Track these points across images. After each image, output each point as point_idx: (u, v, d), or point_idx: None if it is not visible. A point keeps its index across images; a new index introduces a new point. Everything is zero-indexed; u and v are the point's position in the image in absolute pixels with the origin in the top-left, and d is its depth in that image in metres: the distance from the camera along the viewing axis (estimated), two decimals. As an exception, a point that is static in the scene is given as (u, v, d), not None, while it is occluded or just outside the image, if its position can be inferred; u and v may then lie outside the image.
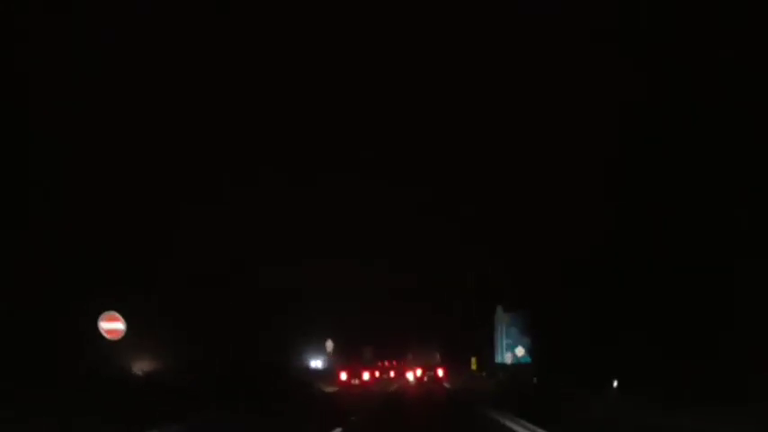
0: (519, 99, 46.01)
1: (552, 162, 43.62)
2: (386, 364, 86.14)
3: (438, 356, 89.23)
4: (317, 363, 74.29)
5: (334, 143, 72.32)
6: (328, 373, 73.35)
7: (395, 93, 73.45)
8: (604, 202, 37.32)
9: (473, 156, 62.86)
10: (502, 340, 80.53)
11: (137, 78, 35.72)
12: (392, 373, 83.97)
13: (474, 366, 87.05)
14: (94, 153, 33.03)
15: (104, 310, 28.64)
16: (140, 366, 36.04)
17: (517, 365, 72.67)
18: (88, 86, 32.47)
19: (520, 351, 72.10)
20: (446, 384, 73.40)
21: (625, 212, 35.38)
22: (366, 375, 77.70)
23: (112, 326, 28.49)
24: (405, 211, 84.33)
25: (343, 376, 74.54)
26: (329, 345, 74.60)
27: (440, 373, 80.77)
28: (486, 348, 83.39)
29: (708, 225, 30.07)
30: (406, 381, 79.64)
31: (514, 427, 24.46)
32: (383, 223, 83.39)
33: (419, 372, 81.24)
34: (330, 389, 63.18)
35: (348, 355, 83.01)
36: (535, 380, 59.31)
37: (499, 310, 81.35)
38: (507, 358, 76.32)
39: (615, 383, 34.97)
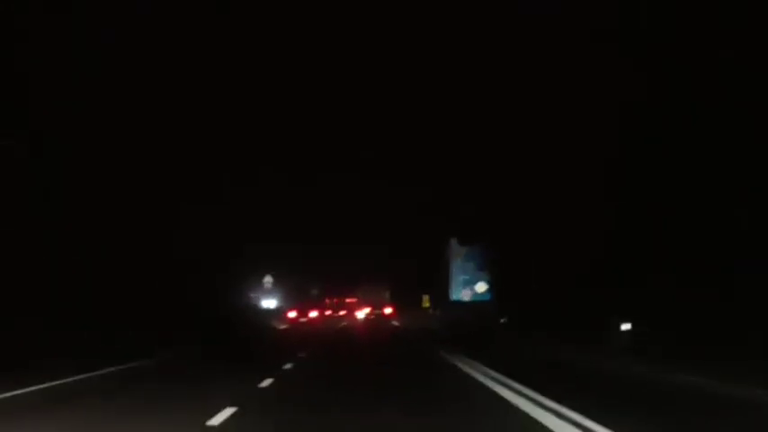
0: (519, 99, 47.15)
1: (552, 161, 45.15)
2: (335, 301, 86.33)
3: (387, 294, 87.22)
4: (269, 303, 76.02)
5: (334, 143, 76.86)
6: (281, 312, 76.25)
7: (395, 92, 76.75)
8: (604, 201, 38.55)
9: (472, 154, 65.13)
10: (457, 276, 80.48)
11: (137, 78, 36.51)
12: (342, 312, 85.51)
13: (426, 304, 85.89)
14: (94, 152, 33.88)
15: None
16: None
17: (475, 303, 72.49)
18: (88, 86, 33.21)
19: (481, 287, 72.31)
20: (395, 322, 75.38)
21: (624, 213, 36.49)
22: (314, 313, 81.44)
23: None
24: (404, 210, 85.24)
25: (291, 315, 77.59)
26: (268, 279, 76.01)
27: (387, 311, 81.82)
28: (440, 286, 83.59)
29: (708, 224, 30.94)
30: (356, 319, 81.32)
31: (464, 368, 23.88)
32: (381, 220, 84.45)
33: (367, 310, 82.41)
34: (282, 326, 67.30)
35: (299, 295, 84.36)
36: (504, 319, 60.25)
37: (453, 242, 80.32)
38: (464, 295, 76.83)
39: (626, 326, 30.34)
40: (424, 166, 78.24)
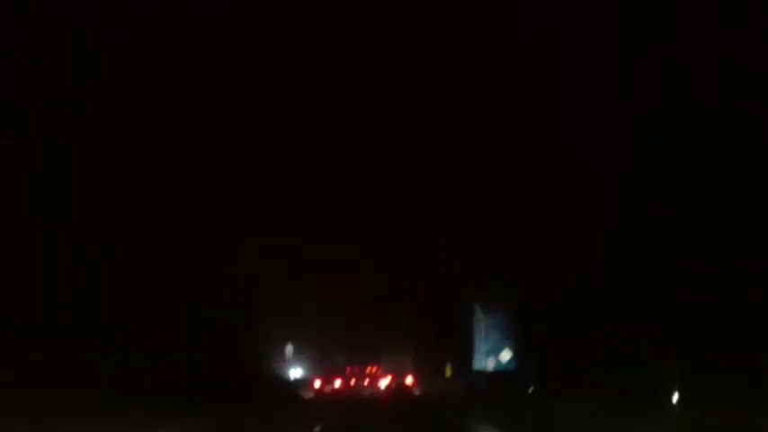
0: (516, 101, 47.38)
1: (549, 164, 45.26)
2: (356, 370, 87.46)
3: (410, 363, 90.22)
4: (295, 373, 78.64)
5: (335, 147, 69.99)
6: (307, 382, 77.63)
7: (393, 97, 68.52)
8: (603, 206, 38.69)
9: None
10: (480, 345, 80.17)
11: (137, 77, 37.08)
12: (366, 381, 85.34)
13: (449, 373, 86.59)
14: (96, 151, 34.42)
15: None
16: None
17: (499, 372, 73.00)
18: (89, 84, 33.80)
19: (506, 355, 71.68)
20: (417, 391, 76.79)
21: (624, 216, 36.82)
22: (338, 383, 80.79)
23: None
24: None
25: (317, 384, 77.65)
26: (289, 349, 77.41)
27: (408, 381, 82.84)
28: (462, 354, 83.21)
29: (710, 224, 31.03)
30: (379, 388, 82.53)
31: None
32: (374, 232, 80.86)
33: (388, 379, 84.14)
34: (309, 394, 69.71)
35: (323, 361, 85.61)
36: (532, 388, 56.95)
37: (478, 310, 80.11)
38: (489, 364, 76.53)
39: (675, 396, 27.92)
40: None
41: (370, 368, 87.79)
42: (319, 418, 33.43)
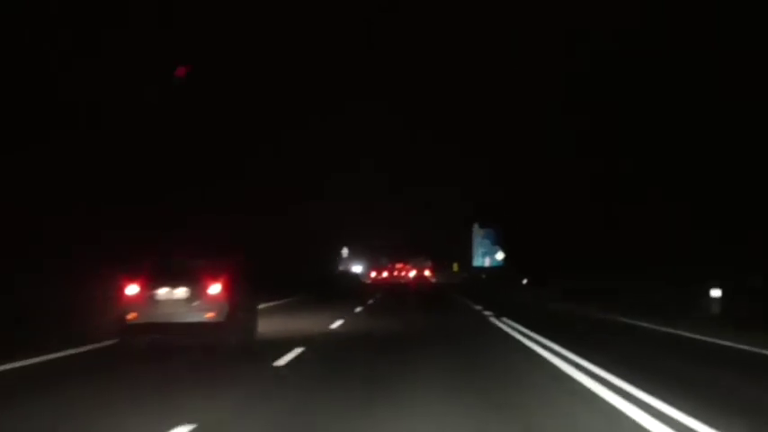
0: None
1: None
2: (396, 265, 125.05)
3: (430, 263, 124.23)
4: (357, 268, 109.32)
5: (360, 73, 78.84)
6: (366, 273, 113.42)
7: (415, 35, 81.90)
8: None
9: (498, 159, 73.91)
10: (478, 249, 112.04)
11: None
12: (402, 273, 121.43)
13: (456, 269, 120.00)
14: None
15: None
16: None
17: (493, 267, 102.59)
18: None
19: (500, 255, 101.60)
20: (433, 280, 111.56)
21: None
22: (385, 274, 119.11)
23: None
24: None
25: (372, 275, 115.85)
26: (344, 251, 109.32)
27: (426, 273, 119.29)
28: (465, 256, 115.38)
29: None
30: (408, 277, 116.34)
31: (461, 299, 42.40)
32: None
33: (414, 272, 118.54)
34: (367, 281, 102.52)
35: (373, 262, 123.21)
36: (484, 276, 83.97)
37: (476, 226, 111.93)
38: (486, 262, 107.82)
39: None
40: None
41: (402, 265, 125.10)
42: (375, 292, 54.34)
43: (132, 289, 16.60)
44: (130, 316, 16.42)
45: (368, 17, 68.32)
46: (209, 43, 38.01)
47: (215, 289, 16.69)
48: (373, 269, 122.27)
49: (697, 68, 35.39)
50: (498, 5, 57.77)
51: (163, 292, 16.59)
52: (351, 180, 78.69)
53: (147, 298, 16.48)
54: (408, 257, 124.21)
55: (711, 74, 34.45)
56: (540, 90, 53.22)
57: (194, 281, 16.75)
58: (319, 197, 66.47)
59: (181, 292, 16.61)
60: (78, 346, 16.53)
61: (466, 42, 70.53)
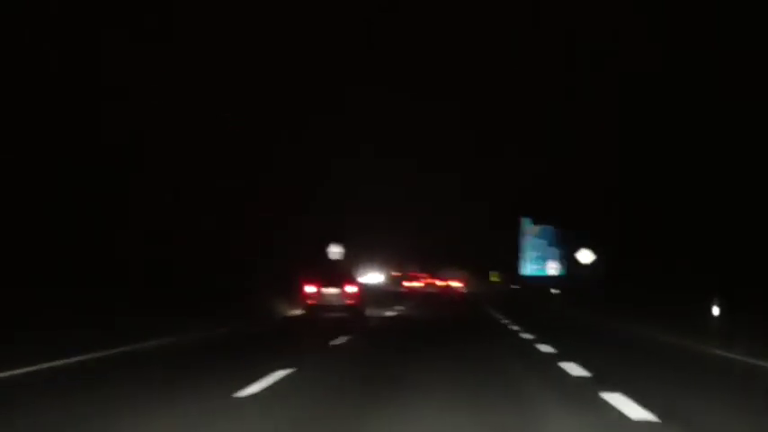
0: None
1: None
2: (425, 276, 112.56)
3: (461, 273, 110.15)
4: (376, 277, 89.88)
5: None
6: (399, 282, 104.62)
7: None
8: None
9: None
10: (527, 252, 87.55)
11: None
12: (432, 282, 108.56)
13: (495, 278, 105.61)
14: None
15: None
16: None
17: (545, 278, 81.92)
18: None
19: (553, 264, 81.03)
20: (463, 290, 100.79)
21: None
22: (417, 284, 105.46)
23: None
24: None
25: (406, 284, 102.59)
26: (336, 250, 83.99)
27: (457, 284, 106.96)
28: (512, 262, 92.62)
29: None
30: (439, 287, 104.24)
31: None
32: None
33: (446, 283, 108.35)
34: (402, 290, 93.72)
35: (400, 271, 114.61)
36: (557, 291, 65.06)
37: (525, 221, 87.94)
38: (548, 268, 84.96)
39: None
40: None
41: (431, 276, 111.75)
42: (410, 299, 59.81)
43: (311, 288, 34.23)
44: (311, 302, 34.22)
45: (368, 17, 69.83)
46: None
47: (351, 289, 34.79)
48: (407, 279, 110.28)
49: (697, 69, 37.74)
50: (498, 5, 62.63)
51: (326, 290, 34.18)
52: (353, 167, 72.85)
53: (319, 293, 34.12)
54: (437, 268, 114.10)
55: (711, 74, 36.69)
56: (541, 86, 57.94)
57: (341, 284, 34.59)
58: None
59: (335, 290, 34.30)
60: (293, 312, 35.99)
61: (465, 41, 79.24)
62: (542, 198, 79.34)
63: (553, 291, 63.99)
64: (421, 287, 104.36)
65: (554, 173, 69.30)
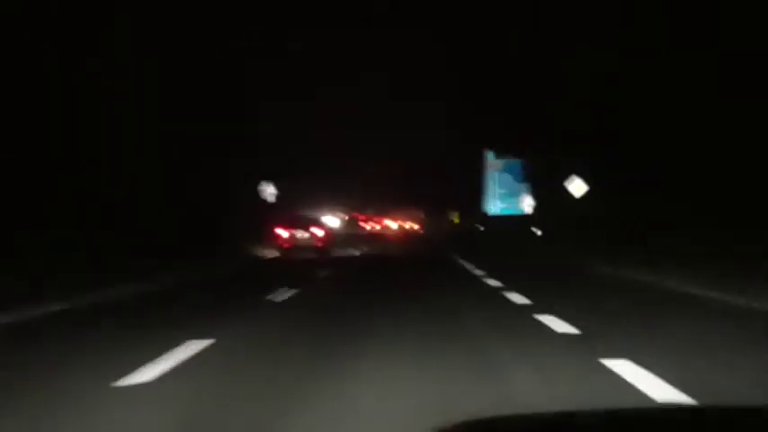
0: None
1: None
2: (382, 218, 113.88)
3: (420, 214, 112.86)
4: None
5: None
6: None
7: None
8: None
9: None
10: (494, 189, 79.68)
11: None
12: (390, 225, 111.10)
13: (456, 220, 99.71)
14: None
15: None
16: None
17: (514, 216, 74.92)
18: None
19: (527, 200, 73.14)
20: (421, 232, 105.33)
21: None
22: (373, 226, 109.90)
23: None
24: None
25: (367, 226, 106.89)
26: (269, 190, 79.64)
27: (415, 226, 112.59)
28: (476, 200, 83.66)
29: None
30: (395, 229, 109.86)
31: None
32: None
33: (406, 225, 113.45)
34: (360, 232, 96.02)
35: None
36: (539, 232, 60.67)
37: (489, 155, 79.74)
38: (501, 207, 77.62)
39: None
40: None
41: (387, 217, 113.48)
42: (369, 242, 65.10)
43: (284, 232, 41.97)
44: (285, 245, 41.50)
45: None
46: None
47: (319, 232, 42.75)
48: (368, 218, 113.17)
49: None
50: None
51: (298, 233, 41.96)
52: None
53: (291, 236, 41.82)
54: (395, 210, 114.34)
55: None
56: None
57: (309, 228, 42.55)
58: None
59: (305, 233, 42.07)
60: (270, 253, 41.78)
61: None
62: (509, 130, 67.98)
63: (535, 230, 60.05)
64: (377, 230, 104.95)
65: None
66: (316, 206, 79.64)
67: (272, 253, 41.41)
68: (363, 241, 65.57)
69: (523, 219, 70.87)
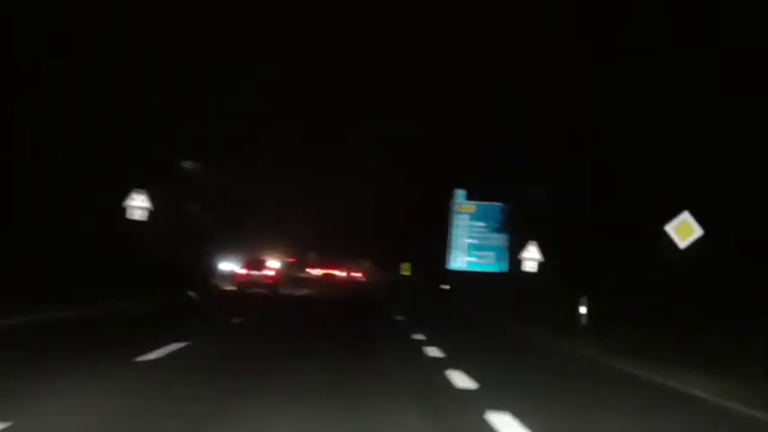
0: None
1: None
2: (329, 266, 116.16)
3: (368, 265, 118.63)
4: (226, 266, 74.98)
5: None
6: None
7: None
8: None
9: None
10: (459, 239, 66.56)
11: None
12: (336, 272, 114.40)
13: (407, 272, 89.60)
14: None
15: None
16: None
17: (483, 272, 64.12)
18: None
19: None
20: (364, 281, 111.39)
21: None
22: (318, 272, 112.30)
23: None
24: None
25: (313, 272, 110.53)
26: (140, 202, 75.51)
27: (359, 275, 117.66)
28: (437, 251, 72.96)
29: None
30: (342, 276, 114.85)
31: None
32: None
33: (349, 273, 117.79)
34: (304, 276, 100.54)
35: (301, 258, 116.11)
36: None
37: (459, 194, 68.00)
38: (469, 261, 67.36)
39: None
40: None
41: (337, 266, 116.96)
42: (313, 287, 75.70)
43: (242, 270, 53.92)
44: (242, 280, 52.60)
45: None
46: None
47: (270, 273, 54.17)
48: (315, 265, 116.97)
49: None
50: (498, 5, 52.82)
51: (254, 272, 53.13)
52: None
53: (248, 274, 53.00)
54: (341, 259, 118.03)
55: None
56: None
57: (263, 268, 54.34)
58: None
59: (259, 272, 53.24)
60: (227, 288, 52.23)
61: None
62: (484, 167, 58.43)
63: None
64: (321, 276, 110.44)
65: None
66: (257, 248, 76.51)
67: (230, 286, 54.87)
68: (309, 284, 79.43)
69: (501, 277, 58.25)
